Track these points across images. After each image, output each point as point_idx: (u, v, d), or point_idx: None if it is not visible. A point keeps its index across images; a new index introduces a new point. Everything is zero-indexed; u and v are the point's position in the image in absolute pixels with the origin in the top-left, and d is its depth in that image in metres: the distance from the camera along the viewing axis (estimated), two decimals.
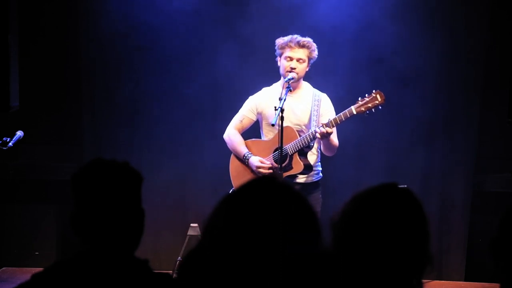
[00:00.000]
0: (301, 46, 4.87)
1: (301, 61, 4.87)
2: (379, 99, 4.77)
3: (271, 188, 1.54)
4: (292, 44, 4.87)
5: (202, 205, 6.03)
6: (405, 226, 1.78)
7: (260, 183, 1.57)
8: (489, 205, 5.90)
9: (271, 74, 5.20)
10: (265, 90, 5.12)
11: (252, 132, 5.24)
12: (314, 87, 5.09)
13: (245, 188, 1.57)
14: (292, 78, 4.83)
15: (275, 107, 4.63)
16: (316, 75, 5.29)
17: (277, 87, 5.04)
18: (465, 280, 5.95)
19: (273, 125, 4.62)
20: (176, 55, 5.97)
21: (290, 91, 4.82)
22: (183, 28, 5.93)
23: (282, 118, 4.60)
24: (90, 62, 6.02)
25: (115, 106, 6.05)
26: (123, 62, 6.01)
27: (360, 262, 1.74)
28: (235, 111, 5.20)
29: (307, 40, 4.91)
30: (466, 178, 5.95)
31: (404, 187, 1.84)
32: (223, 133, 5.20)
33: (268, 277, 1.46)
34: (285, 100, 4.64)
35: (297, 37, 4.89)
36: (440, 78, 5.92)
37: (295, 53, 4.87)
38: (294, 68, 4.85)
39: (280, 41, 4.94)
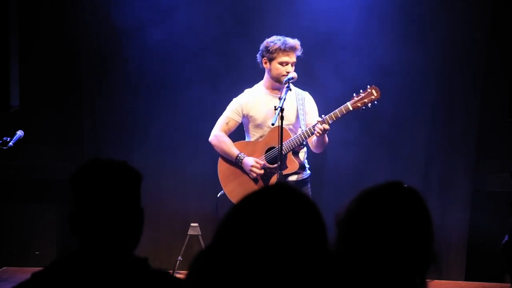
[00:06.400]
0: (294, 49, 4.85)
1: (293, 63, 4.89)
2: (375, 94, 4.79)
3: (283, 194, 1.60)
4: (287, 49, 4.83)
5: (202, 205, 6.03)
6: (410, 225, 1.78)
7: (274, 189, 1.63)
8: (489, 205, 5.90)
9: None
10: (248, 91, 5.09)
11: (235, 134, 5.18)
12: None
13: (259, 193, 1.62)
14: (292, 78, 4.82)
15: (275, 107, 4.64)
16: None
17: (260, 88, 5.02)
18: (465, 280, 5.95)
19: (273, 124, 4.62)
20: (177, 56, 5.97)
21: (290, 90, 4.82)
22: (184, 29, 5.93)
23: (282, 118, 4.60)
24: (91, 62, 6.02)
25: (116, 106, 6.05)
26: (123, 62, 6.01)
27: (364, 260, 1.75)
28: None
29: (297, 42, 4.89)
30: (466, 178, 5.95)
31: (410, 186, 1.85)
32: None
33: (278, 278, 1.52)
34: (285, 99, 4.64)
35: (288, 41, 4.85)
36: (440, 77, 5.92)
37: (290, 58, 4.86)
38: (289, 72, 4.86)
39: (270, 44, 4.88)
